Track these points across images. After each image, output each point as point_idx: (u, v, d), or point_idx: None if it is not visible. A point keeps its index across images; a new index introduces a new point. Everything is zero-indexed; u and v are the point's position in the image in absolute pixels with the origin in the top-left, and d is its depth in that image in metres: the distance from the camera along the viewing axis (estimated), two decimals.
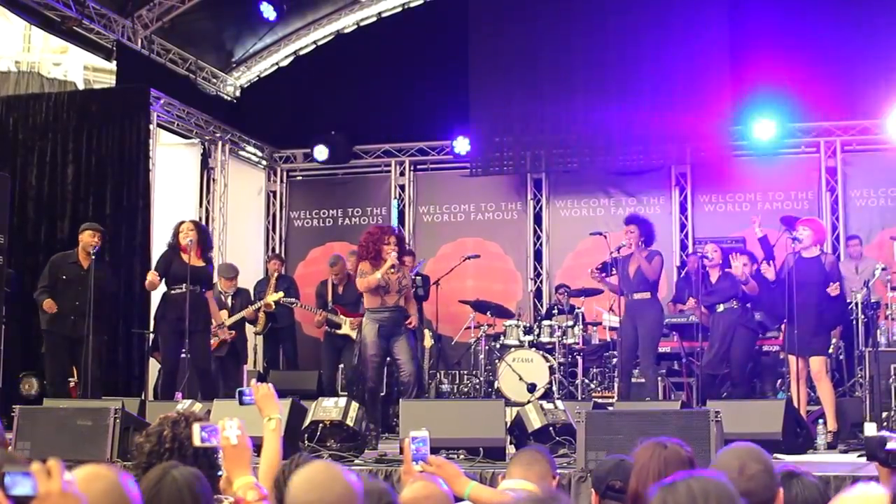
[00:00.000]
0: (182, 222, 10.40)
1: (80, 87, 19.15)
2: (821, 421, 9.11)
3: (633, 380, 11.00)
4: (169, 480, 3.16)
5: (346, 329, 12.00)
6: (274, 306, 13.19)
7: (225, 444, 3.72)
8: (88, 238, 10.50)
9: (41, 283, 10.66)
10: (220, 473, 3.98)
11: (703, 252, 10.49)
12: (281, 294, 12.85)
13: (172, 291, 10.16)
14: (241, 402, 4.54)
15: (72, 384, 10.83)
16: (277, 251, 16.61)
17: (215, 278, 11.99)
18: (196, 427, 3.81)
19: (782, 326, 10.84)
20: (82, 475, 2.72)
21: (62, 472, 2.33)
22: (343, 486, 2.90)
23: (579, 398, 11.77)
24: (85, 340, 10.14)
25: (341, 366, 12.50)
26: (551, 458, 4.55)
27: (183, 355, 10.26)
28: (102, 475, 2.79)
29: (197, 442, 3.79)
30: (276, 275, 14.16)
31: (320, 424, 8.18)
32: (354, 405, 8.41)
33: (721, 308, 10.14)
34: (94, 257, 10.41)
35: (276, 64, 16.90)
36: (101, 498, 2.67)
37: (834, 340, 10.98)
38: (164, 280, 10.29)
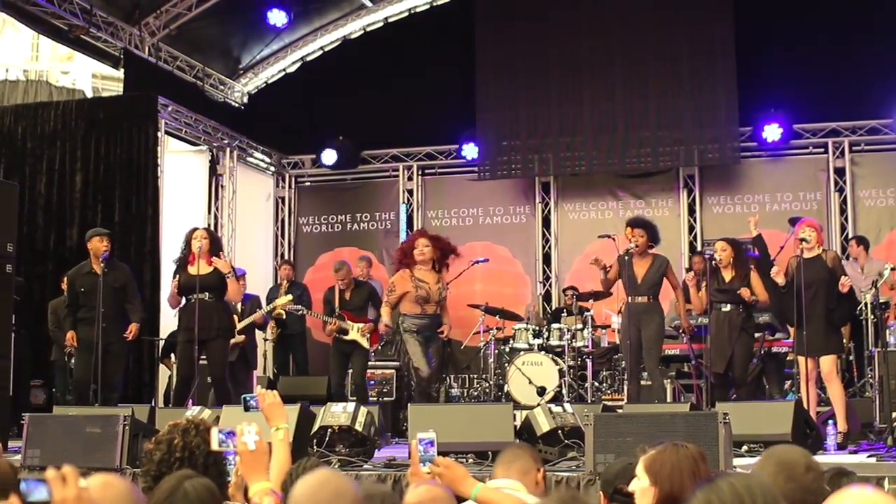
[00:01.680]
0: (195, 229, 10.34)
1: (88, 95, 19.17)
2: (830, 422, 9.08)
3: (642, 382, 10.98)
4: (181, 495, 3.16)
5: (353, 335, 11.97)
6: (284, 314, 13.19)
7: (242, 450, 3.72)
8: (97, 244, 10.47)
9: (66, 304, 10.62)
10: (228, 479, 3.98)
11: (710, 252, 10.42)
12: (290, 297, 12.85)
13: (188, 301, 10.09)
14: (247, 409, 4.53)
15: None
16: (286, 257, 16.64)
17: None
18: (214, 431, 3.80)
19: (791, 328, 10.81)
20: (93, 483, 2.74)
21: (77, 478, 2.35)
22: (337, 489, 2.90)
23: (589, 401, 11.76)
24: (96, 347, 10.12)
25: (350, 371, 12.48)
26: (534, 453, 4.55)
27: (202, 362, 10.22)
28: (114, 483, 2.81)
29: (215, 446, 3.78)
30: (286, 281, 14.19)
31: (329, 430, 8.17)
32: (363, 410, 8.40)
33: (728, 308, 10.09)
34: (103, 263, 10.38)
35: (284, 70, 16.93)
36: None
37: (844, 341, 10.95)
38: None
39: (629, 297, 10.44)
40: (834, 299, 9.38)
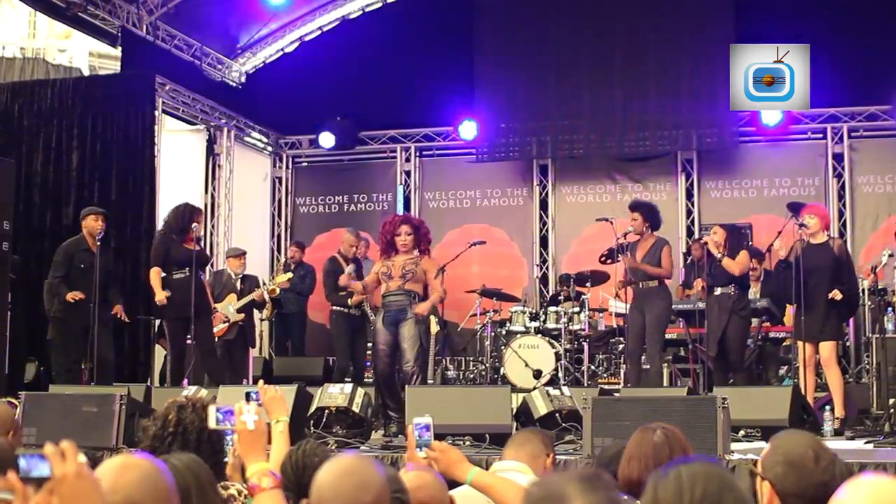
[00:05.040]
0: (195, 210, 10.36)
1: (86, 73, 19.15)
2: (827, 407, 9.09)
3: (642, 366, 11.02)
4: (168, 467, 3.14)
5: (365, 305, 11.81)
6: (278, 290, 13.13)
7: (241, 429, 3.68)
8: (93, 223, 10.50)
9: (58, 273, 10.59)
10: (225, 459, 3.96)
11: (704, 241, 10.43)
12: (289, 275, 12.84)
13: (174, 276, 10.10)
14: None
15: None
16: (283, 238, 16.63)
17: (222, 262, 11.99)
18: (212, 409, 3.77)
19: (789, 313, 10.82)
20: (115, 464, 2.70)
21: (76, 454, 2.33)
22: (362, 481, 2.85)
23: (585, 384, 11.75)
24: (92, 327, 10.15)
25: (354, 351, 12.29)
26: (546, 438, 4.54)
27: (189, 341, 10.25)
28: (136, 464, 2.75)
29: (212, 424, 3.75)
30: (293, 262, 14.15)
31: (326, 411, 8.18)
32: (360, 391, 8.41)
33: (718, 291, 10.10)
34: (99, 242, 10.41)
35: (282, 50, 16.85)
36: (135, 488, 2.64)
37: (843, 327, 10.97)
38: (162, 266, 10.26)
39: (635, 283, 10.46)
40: (833, 286, 9.37)
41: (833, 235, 9.76)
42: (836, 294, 9.29)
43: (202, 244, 10.59)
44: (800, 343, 9.42)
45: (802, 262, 9.31)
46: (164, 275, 10.19)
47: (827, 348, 9.30)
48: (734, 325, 9.97)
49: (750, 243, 11.72)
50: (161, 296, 10.13)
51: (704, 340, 10.44)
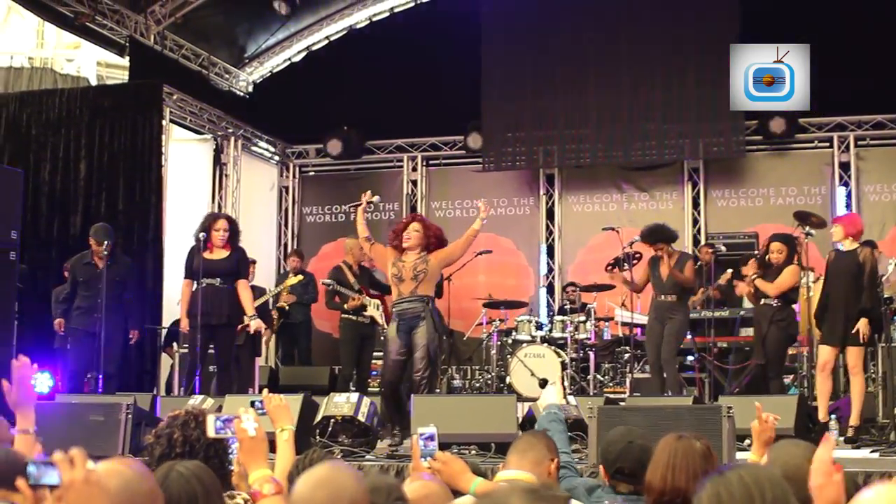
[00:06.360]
0: (209, 218, 10.29)
1: (93, 82, 19.19)
2: (832, 416, 9.08)
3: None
4: (175, 475, 3.16)
5: (371, 311, 11.82)
6: (287, 305, 13.14)
7: (242, 437, 3.70)
8: (91, 244, 10.56)
9: (67, 292, 10.91)
10: (231, 468, 3.97)
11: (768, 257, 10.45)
12: (300, 277, 12.85)
13: (198, 286, 10.06)
14: None
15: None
16: (290, 247, 16.63)
17: None
18: (210, 418, 3.78)
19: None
20: (101, 470, 2.71)
21: (85, 461, 2.34)
22: (334, 493, 2.86)
23: (591, 393, 11.76)
24: (98, 336, 10.18)
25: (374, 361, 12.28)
26: (550, 442, 4.50)
27: (210, 350, 10.21)
28: (120, 472, 2.77)
29: (211, 433, 3.76)
30: (292, 273, 14.16)
31: (332, 420, 8.18)
32: (366, 400, 8.41)
33: (762, 301, 10.19)
34: (105, 255, 10.40)
35: (289, 59, 16.90)
36: (117, 494, 2.66)
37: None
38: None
39: (657, 295, 10.56)
40: (860, 296, 9.33)
41: (864, 243, 9.73)
42: (865, 329, 9.22)
43: (234, 252, 10.28)
44: (823, 347, 9.43)
45: (829, 269, 9.45)
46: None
47: (853, 354, 9.30)
48: (772, 334, 10.04)
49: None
50: (183, 322, 10.13)
51: (754, 349, 10.53)
